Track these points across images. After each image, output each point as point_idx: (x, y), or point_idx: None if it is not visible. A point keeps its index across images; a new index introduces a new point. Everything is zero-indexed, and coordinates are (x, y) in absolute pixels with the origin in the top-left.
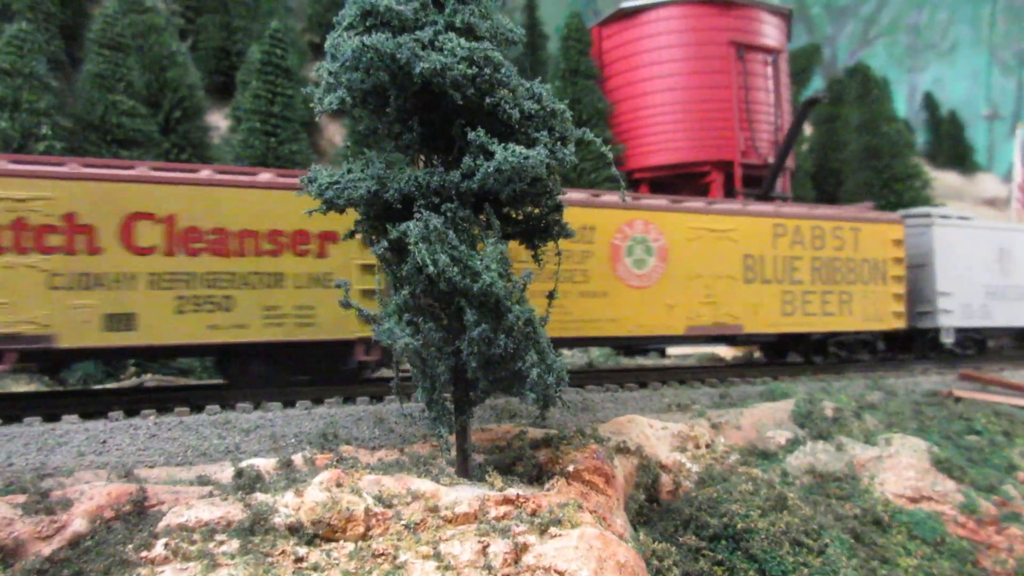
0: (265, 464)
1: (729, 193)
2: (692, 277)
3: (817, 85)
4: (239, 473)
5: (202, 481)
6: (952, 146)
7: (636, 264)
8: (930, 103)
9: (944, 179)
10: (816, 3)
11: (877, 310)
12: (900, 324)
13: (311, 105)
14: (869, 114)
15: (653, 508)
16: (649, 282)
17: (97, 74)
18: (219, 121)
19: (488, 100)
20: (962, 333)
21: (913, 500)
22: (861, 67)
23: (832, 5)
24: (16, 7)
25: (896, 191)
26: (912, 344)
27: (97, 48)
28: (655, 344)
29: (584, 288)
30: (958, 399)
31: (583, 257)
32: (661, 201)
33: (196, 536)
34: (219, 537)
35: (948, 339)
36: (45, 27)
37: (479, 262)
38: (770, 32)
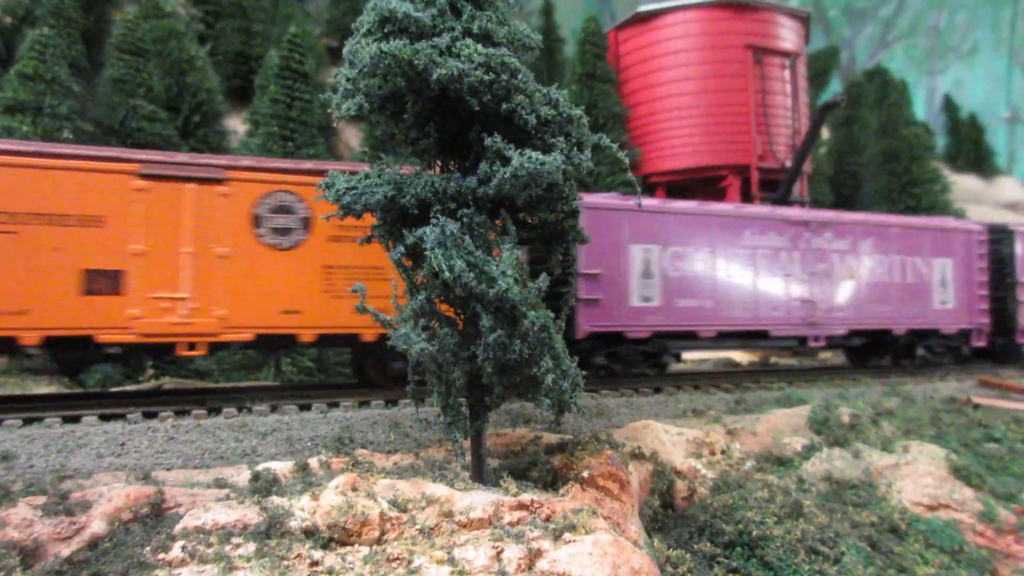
0: (281, 467)
1: (746, 197)
2: None
3: (835, 88)
4: (255, 476)
5: (219, 484)
6: (972, 149)
7: None
8: (950, 106)
9: (964, 183)
10: (834, 6)
11: None
12: None
13: (329, 111)
14: (887, 117)
15: (668, 514)
16: None
17: (118, 79)
18: (237, 125)
19: (505, 106)
20: None
21: (931, 508)
22: (880, 70)
23: (850, 8)
24: (39, 12)
25: (915, 195)
26: None
27: (118, 53)
28: None
29: None
30: (977, 406)
31: None
32: None
33: (213, 539)
34: (235, 540)
35: None
36: (67, 32)
37: (495, 267)
38: (787, 35)
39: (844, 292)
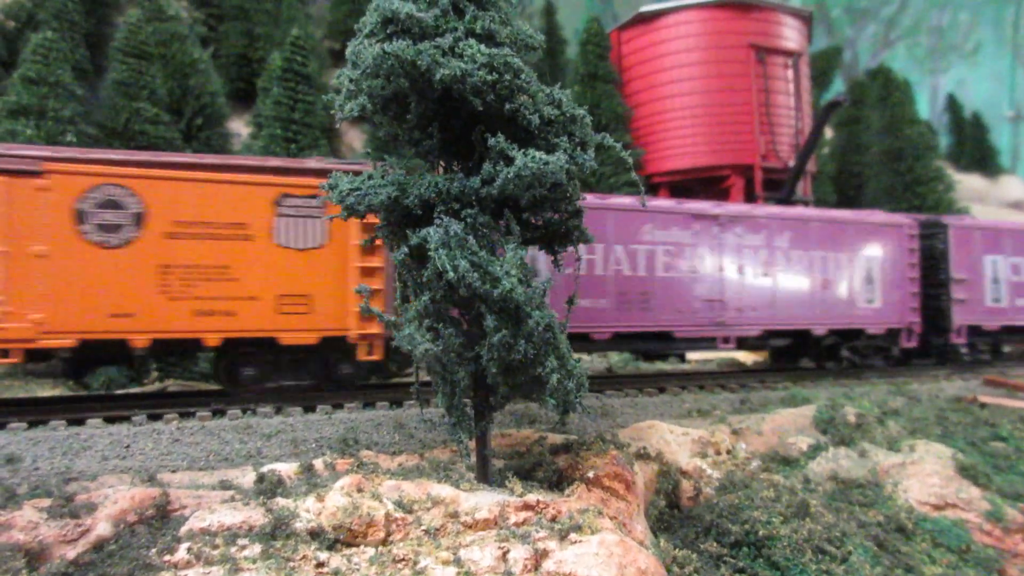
0: (286, 469)
1: (750, 197)
2: None
3: (838, 88)
4: (261, 478)
5: (224, 486)
6: (975, 148)
7: None
8: (953, 105)
9: (967, 182)
10: (837, 5)
11: None
12: None
13: (332, 111)
14: (891, 116)
15: (674, 514)
16: None
17: (121, 82)
18: (240, 128)
19: (508, 106)
20: None
21: (937, 507)
22: (883, 69)
23: (853, 7)
24: (42, 16)
25: (919, 194)
26: None
27: (121, 56)
28: None
29: None
30: (983, 405)
31: None
32: None
33: (218, 540)
34: (241, 542)
35: None
36: (70, 36)
37: (499, 268)
38: (790, 35)
39: (757, 291)
